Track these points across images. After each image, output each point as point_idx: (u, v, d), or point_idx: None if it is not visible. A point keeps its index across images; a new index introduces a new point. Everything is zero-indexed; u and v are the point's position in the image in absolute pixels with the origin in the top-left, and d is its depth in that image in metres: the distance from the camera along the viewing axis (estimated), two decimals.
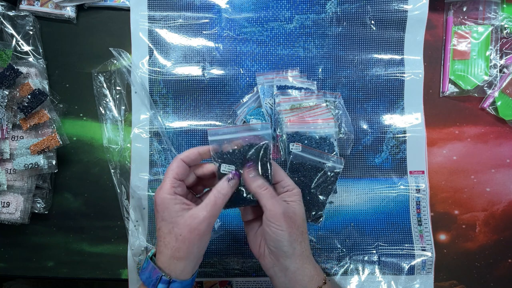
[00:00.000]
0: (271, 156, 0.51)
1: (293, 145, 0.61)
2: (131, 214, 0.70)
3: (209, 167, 0.52)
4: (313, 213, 0.64)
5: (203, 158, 0.52)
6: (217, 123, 0.72)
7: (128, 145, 0.72)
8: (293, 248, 0.47)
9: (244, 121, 0.66)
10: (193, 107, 0.73)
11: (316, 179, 0.62)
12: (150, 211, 0.71)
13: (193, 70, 0.72)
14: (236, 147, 0.50)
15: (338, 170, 0.62)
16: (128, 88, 0.73)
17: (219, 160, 0.51)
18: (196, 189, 0.54)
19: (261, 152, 0.51)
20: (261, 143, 0.51)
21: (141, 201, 0.71)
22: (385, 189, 0.71)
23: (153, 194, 0.70)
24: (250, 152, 0.50)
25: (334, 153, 0.63)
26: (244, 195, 0.51)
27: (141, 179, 0.71)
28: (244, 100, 0.71)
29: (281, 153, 0.64)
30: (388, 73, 0.72)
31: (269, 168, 0.51)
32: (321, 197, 0.62)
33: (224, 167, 0.50)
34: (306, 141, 0.63)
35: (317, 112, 0.65)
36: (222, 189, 0.48)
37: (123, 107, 0.73)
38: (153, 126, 0.72)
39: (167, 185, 0.48)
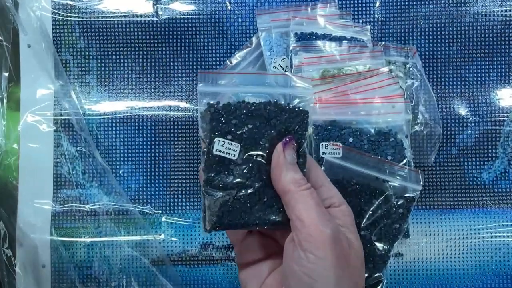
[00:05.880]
0: (306, 140, 0.44)
1: (326, 145, 0.51)
2: (18, 276, 0.60)
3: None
4: (366, 274, 0.51)
5: None
6: (182, 104, 0.62)
7: (15, 145, 0.61)
8: None
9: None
10: (137, 75, 0.62)
11: (370, 211, 0.50)
12: (54, 271, 0.60)
13: (137, 5, 0.61)
14: (250, 105, 0.42)
15: (412, 195, 0.51)
16: (15, 38, 0.62)
17: (214, 130, 0.41)
18: None
19: (296, 127, 0.43)
20: (295, 110, 0.43)
21: (37, 252, 0.60)
22: (501, 230, 0.59)
23: (64, 239, 0.62)
24: (273, 123, 0.42)
25: (405, 161, 0.52)
26: (255, 205, 0.42)
27: (37, 210, 0.60)
28: (234, 61, 0.60)
29: None
30: (506, 10, 0.61)
31: (301, 159, 0.42)
32: (379, 244, 0.50)
33: (222, 144, 0.41)
34: (351, 139, 0.53)
35: (372, 85, 0.54)
36: None
37: (6, 74, 0.62)
38: (61, 110, 0.61)
39: None
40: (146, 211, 0.59)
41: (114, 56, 0.61)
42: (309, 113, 0.43)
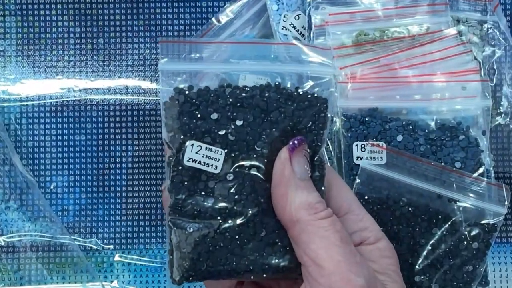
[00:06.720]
0: (325, 141, 0.37)
1: (362, 147, 0.47)
2: None
3: None
4: None
5: None
6: (145, 83, 0.51)
7: None
8: None
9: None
10: (77, 40, 0.53)
11: (428, 246, 0.44)
12: None
13: None
14: (240, 91, 0.37)
15: (492, 221, 0.44)
16: None
17: (185, 129, 0.35)
18: None
19: (309, 124, 0.37)
20: (308, 98, 0.37)
21: None
22: None
23: None
24: (274, 117, 0.37)
25: (482, 170, 0.45)
26: (248, 242, 0.35)
27: None
28: (223, 19, 0.52)
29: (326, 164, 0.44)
30: None
31: (317, 172, 0.36)
32: None
33: (197, 151, 0.36)
34: (400, 137, 0.46)
35: (432, 54, 0.48)
36: None
37: None
38: None
39: None
40: (91, 245, 0.50)
41: (42, 12, 0.51)
42: (329, 102, 0.36)
